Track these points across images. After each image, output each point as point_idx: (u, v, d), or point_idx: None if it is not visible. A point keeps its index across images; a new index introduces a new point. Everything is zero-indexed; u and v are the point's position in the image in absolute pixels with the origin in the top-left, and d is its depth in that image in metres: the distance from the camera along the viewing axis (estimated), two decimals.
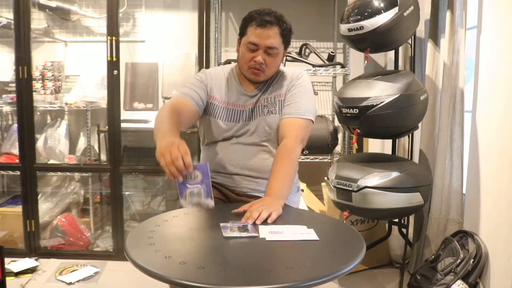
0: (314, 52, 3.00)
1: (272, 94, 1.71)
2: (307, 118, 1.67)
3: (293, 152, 1.60)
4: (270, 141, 1.71)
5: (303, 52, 3.03)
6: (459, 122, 2.35)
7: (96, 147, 3.30)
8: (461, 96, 2.34)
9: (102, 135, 3.27)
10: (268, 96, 1.71)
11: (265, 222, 1.33)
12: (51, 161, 3.15)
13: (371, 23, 2.20)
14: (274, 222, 1.34)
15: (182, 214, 1.46)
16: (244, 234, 1.24)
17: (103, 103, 2.97)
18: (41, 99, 3.05)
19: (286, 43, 1.69)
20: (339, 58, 3.33)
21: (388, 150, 2.93)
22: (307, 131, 1.68)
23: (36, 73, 3.07)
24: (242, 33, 1.67)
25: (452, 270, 2.13)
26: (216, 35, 3.06)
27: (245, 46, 1.65)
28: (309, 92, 1.72)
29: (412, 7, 2.25)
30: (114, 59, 2.77)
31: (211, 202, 1.34)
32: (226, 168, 1.72)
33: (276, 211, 1.38)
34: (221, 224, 1.30)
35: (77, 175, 3.13)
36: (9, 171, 2.97)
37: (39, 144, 3.14)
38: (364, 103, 2.20)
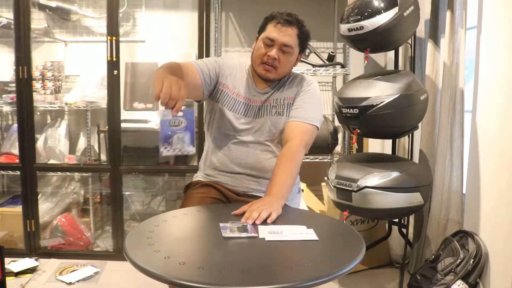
0: (314, 52, 3.00)
1: (282, 96, 1.72)
2: (314, 124, 1.68)
3: (297, 155, 1.60)
4: (273, 141, 1.72)
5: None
6: (459, 122, 2.35)
7: (96, 147, 3.30)
8: (461, 96, 2.34)
9: (102, 135, 3.27)
10: (278, 97, 1.72)
11: (264, 222, 1.33)
12: (51, 161, 3.16)
13: (371, 23, 2.20)
14: (274, 222, 1.34)
15: (181, 215, 1.46)
16: (243, 235, 1.24)
17: (103, 103, 2.97)
18: (41, 99, 3.05)
19: (302, 47, 1.72)
20: (339, 58, 3.33)
21: (388, 150, 2.93)
22: (312, 137, 1.69)
23: (36, 73, 3.07)
24: (261, 29, 1.70)
25: (452, 270, 2.13)
26: (216, 35, 3.06)
27: (261, 41, 1.67)
28: (318, 100, 1.75)
29: (412, 7, 2.25)
30: (114, 59, 2.77)
31: (192, 149, 1.30)
32: (228, 167, 1.72)
33: (276, 211, 1.38)
34: (221, 225, 1.30)
35: (77, 175, 3.13)
36: (9, 171, 2.97)
37: (39, 144, 3.14)
38: (364, 103, 2.20)
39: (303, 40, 1.70)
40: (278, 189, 1.50)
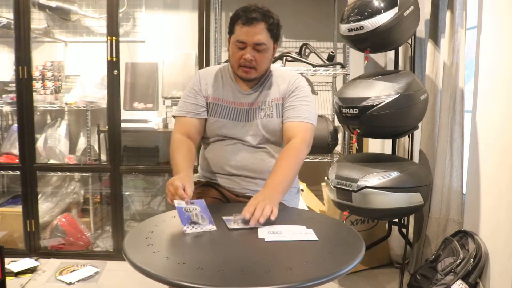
0: (314, 52, 3.00)
1: (268, 98, 1.70)
2: (312, 123, 1.68)
3: (300, 152, 1.60)
4: (270, 143, 1.71)
5: (303, 52, 3.03)
6: (459, 122, 2.35)
7: (96, 147, 3.30)
8: (461, 96, 2.34)
9: (102, 135, 3.27)
10: (265, 99, 1.70)
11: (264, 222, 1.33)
12: (51, 161, 3.16)
13: (371, 23, 2.19)
14: (274, 222, 1.34)
15: None
16: (248, 226, 1.27)
17: (103, 103, 2.97)
18: (41, 99, 3.05)
19: (275, 37, 1.67)
20: (339, 58, 3.32)
21: (388, 150, 2.93)
22: (312, 135, 1.69)
23: (36, 73, 3.07)
24: (231, 31, 1.67)
25: (452, 270, 2.13)
26: (216, 35, 3.06)
27: (233, 44, 1.65)
28: (310, 97, 1.74)
29: (412, 7, 2.25)
30: (114, 59, 2.77)
31: (213, 227, 1.31)
32: (225, 169, 1.71)
33: (276, 206, 1.38)
34: (224, 218, 1.31)
35: (77, 175, 3.13)
36: (9, 171, 2.97)
37: (39, 144, 3.14)
38: (364, 103, 2.20)
39: (274, 30, 1.65)
40: (279, 183, 1.50)
